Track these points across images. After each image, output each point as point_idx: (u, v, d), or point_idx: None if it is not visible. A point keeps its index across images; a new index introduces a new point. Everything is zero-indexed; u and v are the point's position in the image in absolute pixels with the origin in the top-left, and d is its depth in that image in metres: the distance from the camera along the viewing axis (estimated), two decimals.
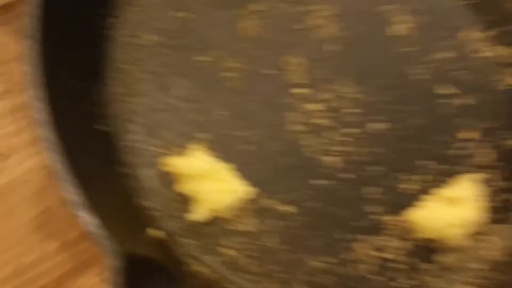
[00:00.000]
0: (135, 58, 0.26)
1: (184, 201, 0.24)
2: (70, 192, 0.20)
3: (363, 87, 0.27)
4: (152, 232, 0.23)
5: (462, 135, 0.27)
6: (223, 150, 0.25)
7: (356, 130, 0.26)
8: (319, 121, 0.26)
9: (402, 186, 0.26)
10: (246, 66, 0.26)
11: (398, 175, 0.26)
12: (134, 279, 0.18)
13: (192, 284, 0.22)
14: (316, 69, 0.27)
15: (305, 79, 0.27)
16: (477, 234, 0.25)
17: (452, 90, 0.28)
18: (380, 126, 0.26)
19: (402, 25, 0.28)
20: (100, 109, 0.24)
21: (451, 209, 0.25)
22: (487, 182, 0.26)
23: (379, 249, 0.25)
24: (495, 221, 0.25)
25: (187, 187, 0.23)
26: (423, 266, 0.25)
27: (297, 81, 0.27)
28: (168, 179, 0.24)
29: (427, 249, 0.25)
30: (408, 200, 0.26)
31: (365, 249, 0.24)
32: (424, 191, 0.26)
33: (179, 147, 0.25)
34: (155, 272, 0.21)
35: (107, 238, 0.19)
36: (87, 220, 0.20)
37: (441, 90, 0.28)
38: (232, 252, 0.24)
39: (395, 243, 0.25)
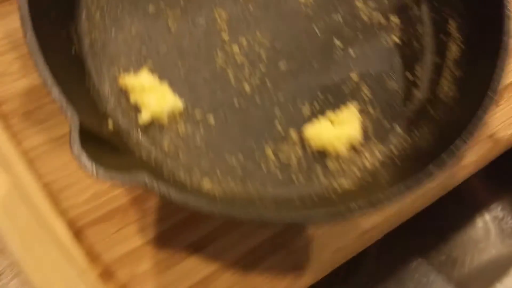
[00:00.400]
0: (100, 3, 0.34)
1: (134, 108, 0.32)
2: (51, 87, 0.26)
3: (272, 37, 0.35)
4: (109, 123, 0.30)
5: (352, 75, 0.35)
6: (162, 72, 0.32)
7: (264, 68, 0.34)
8: (237, 58, 0.34)
9: (300, 108, 0.34)
10: (184, 15, 0.35)
11: (297, 102, 0.34)
12: (84, 142, 0.25)
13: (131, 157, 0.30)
14: (236, 21, 0.35)
15: (228, 29, 0.36)
16: (355, 148, 0.33)
17: (344, 43, 0.36)
18: (283, 65, 0.35)
19: None
20: (75, 39, 0.33)
21: (336, 127, 0.33)
22: (364, 111, 0.34)
23: (283, 153, 0.33)
24: (368, 138, 0.34)
25: (135, 98, 0.32)
26: (317, 168, 0.33)
27: (221, 29, 0.35)
28: (123, 92, 0.32)
29: (320, 156, 0.33)
30: (304, 119, 0.34)
31: (273, 151, 0.32)
32: (316, 114, 0.34)
33: (130, 69, 0.33)
34: (104, 143, 0.29)
35: (69, 105, 0.25)
36: (57, 95, 0.25)
37: (337, 42, 0.36)
38: (166, 146, 0.32)
39: (297, 149, 0.33)
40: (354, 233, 0.34)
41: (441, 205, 0.38)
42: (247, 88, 0.34)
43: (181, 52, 0.34)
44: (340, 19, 0.37)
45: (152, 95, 0.31)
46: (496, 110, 0.40)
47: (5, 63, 0.36)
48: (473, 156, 0.38)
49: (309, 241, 0.33)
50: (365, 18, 0.37)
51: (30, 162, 0.33)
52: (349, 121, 0.33)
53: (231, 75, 0.34)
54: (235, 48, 0.35)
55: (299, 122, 0.33)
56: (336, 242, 0.34)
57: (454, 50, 0.35)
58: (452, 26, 0.36)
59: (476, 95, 0.30)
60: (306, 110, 0.34)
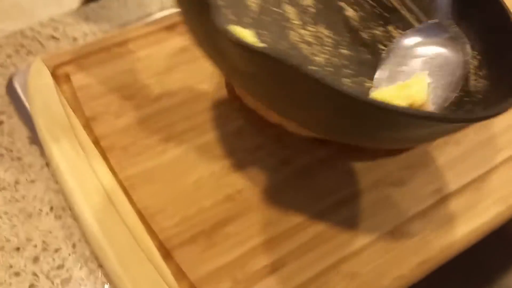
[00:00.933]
0: None
1: None
2: None
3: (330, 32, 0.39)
4: None
5: None
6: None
7: (331, 48, 0.38)
8: (308, 39, 0.38)
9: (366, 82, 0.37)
10: (263, 4, 0.39)
11: (360, 78, 0.37)
12: None
13: None
14: (303, 15, 0.39)
15: (297, 19, 0.39)
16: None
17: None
18: (345, 51, 0.38)
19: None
20: None
21: (402, 90, 0.35)
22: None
23: None
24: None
25: None
26: None
27: (292, 18, 0.39)
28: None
29: None
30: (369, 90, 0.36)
31: None
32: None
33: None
34: None
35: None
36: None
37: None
38: None
39: None
40: (414, 261, 0.37)
41: (486, 244, 0.39)
42: (318, 59, 0.37)
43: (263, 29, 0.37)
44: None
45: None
46: None
47: (104, 104, 0.42)
48: None
49: (372, 267, 0.36)
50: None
51: (126, 190, 0.37)
52: (417, 84, 0.34)
53: (304, 49, 0.37)
54: (304, 32, 0.38)
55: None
56: (396, 270, 0.36)
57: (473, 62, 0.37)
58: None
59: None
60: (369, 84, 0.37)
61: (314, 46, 0.37)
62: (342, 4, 0.40)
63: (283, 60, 0.22)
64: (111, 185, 0.37)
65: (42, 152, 0.42)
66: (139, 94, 0.44)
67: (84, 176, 0.37)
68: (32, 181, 0.40)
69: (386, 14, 0.41)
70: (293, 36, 0.37)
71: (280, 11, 0.38)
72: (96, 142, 0.40)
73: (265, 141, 0.41)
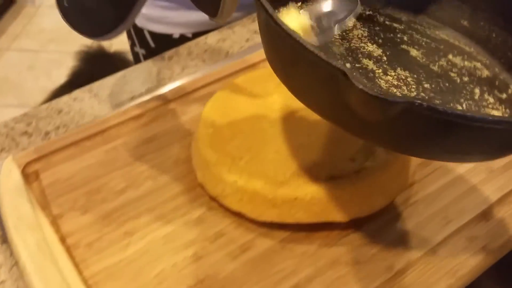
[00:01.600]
0: None
1: None
2: None
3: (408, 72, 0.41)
4: None
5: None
6: None
7: (415, 85, 0.39)
8: (394, 82, 0.39)
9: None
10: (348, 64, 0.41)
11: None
12: None
13: None
14: (380, 64, 0.41)
15: (377, 68, 0.41)
16: None
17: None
18: (427, 85, 0.40)
19: None
20: None
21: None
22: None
23: None
24: None
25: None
26: None
27: (373, 68, 0.41)
28: None
29: None
30: None
31: None
32: None
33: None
34: None
35: None
36: None
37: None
38: None
39: None
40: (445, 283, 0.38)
41: None
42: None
43: None
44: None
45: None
46: None
47: (72, 200, 0.44)
48: None
49: None
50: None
51: None
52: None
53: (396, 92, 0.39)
54: (388, 77, 0.41)
55: None
56: None
57: None
58: None
59: None
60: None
61: (402, 87, 0.40)
62: (404, 46, 0.44)
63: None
64: (76, 284, 0.38)
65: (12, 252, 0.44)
66: (105, 187, 0.46)
67: (50, 276, 0.38)
68: (2, 282, 0.42)
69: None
70: (383, 83, 0.40)
71: (362, 65, 0.41)
72: (63, 240, 0.41)
73: (226, 228, 0.43)
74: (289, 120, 0.46)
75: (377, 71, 0.40)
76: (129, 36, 0.81)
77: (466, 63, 0.44)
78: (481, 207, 0.44)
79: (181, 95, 0.55)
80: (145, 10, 0.71)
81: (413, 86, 0.39)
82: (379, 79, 0.39)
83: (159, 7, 0.72)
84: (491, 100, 0.40)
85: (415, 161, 0.47)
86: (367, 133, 0.33)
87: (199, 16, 0.70)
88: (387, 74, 0.40)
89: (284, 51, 0.33)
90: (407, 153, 0.37)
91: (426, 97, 0.39)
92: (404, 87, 0.39)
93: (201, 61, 0.63)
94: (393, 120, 0.29)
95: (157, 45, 0.75)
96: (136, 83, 0.60)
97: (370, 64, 0.41)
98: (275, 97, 0.49)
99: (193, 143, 0.47)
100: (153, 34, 0.75)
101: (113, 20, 0.43)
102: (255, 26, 0.68)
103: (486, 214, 0.44)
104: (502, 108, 0.40)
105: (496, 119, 0.28)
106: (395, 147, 0.34)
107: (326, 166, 0.42)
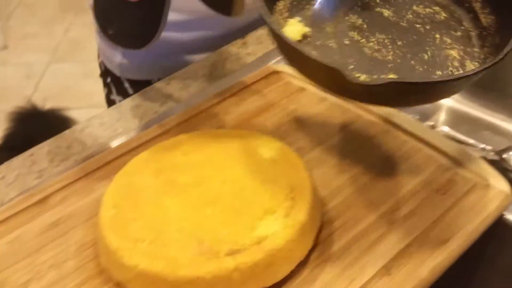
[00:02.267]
0: None
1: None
2: None
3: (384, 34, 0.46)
4: None
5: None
6: None
7: (390, 45, 0.45)
8: (375, 47, 0.45)
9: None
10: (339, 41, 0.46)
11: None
12: None
13: None
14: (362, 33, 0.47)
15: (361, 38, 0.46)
16: None
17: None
18: (400, 43, 0.46)
19: None
20: None
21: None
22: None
23: None
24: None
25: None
26: None
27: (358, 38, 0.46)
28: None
29: None
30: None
31: None
32: None
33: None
34: None
35: None
36: None
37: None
38: None
39: None
40: None
41: None
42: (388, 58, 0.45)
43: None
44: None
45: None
46: None
47: None
48: None
49: None
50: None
51: None
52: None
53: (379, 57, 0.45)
54: (371, 44, 0.46)
55: None
56: None
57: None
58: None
59: None
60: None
61: (382, 50, 0.45)
62: (378, 9, 0.49)
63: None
64: None
65: None
66: (7, 282, 0.44)
67: None
68: None
69: None
70: (367, 50, 0.45)
71: (349, 38, 0.47)
72: None
73: None
74: (192, 194, 0.47)
75: (361, 40, 0.46)
76: (105, 85, 0.83)
77: (427, 10, 0.49)
78: (382, 262, 0.45)
79: (88, 172, 0.54)
80: (124, 60, 0.76)
81: (389, 47, 0.46)
82: (364, 48, 0.45)
83: (140, 55, 0.76)
84: (449, 41, 0.46)
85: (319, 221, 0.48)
86: (358, 98, 0.44)
87: (172, 62, 0.74)
88: (369, 41, 0.46)
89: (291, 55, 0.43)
90: (384, 105, 0.48)
91: (398, 60, 0.45)
92: (383, 50, 0.45)
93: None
94: (378, 91, 0.39)
95: (136, 91, 0.75)
96: (45, 161, 0.59)
97: (355, 35, 0.47)
98: (181, 168, 0.50)
99: (96, 227, 0.47)
100: (131, 82, 0.78)
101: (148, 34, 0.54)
102: (170, 90, 0.69)
103: (388, 268, 0.45)
104: (458, 45, 0.46)
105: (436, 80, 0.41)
106: (376, 103, 0.46)
107: (228, 240, 0.42)
